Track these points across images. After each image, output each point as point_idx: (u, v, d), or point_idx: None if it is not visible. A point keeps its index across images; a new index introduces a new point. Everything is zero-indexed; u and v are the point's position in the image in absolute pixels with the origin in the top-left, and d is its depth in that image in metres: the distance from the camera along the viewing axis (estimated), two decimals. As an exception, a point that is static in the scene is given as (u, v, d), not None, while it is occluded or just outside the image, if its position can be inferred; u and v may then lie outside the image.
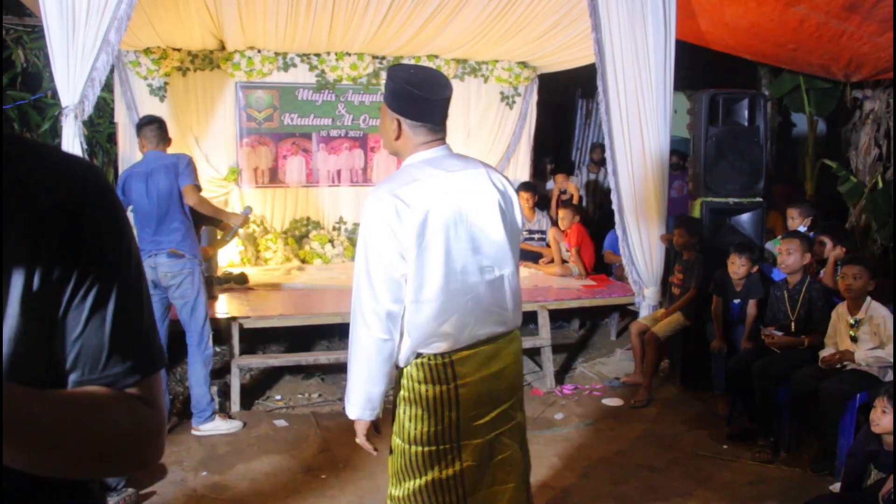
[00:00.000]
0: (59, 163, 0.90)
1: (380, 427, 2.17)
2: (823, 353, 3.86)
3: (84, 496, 0.96)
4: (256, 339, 5.39)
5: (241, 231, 5.14)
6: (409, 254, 1.95)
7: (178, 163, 4.01)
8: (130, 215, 4.07)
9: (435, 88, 2.05)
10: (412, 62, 6.83)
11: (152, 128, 4.07)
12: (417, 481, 2.07)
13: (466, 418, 2.07)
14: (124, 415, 0.88)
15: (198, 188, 4.05)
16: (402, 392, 2.09)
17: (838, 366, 3.77)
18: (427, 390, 2.05)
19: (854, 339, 3.76)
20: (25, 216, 0.83)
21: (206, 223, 5.46)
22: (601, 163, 7.70)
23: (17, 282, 0.82)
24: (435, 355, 2.04)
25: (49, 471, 0.82)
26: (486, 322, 2.09)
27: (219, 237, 5.12)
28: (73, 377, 0.89)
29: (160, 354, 0.96)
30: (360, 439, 2.13)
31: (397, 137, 2.08)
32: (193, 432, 4.12)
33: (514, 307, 2.16)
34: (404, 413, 2.09)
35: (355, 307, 2.02)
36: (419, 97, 2.03)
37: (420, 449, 2.06)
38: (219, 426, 4.15)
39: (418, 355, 2.05)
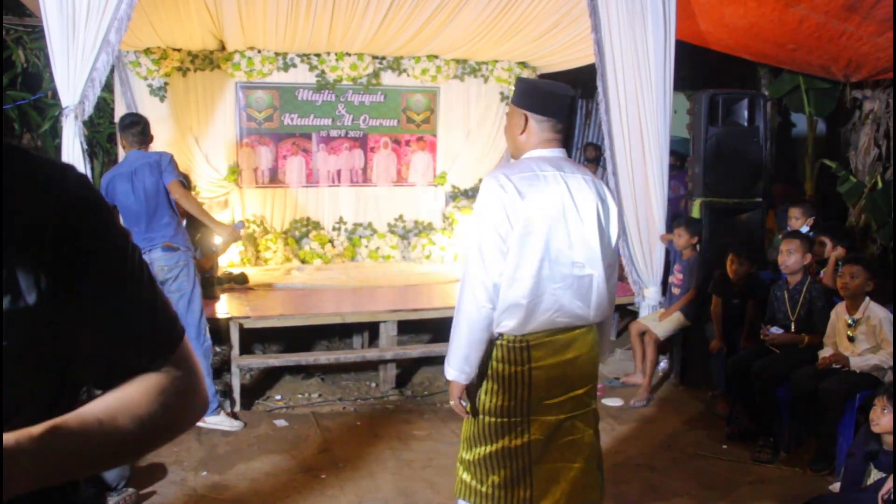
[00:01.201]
0: (38, 172, 0.86)
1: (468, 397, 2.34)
2: (822, 353, 3.87)
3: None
4: (256, 339, 5.40)
5: (220, 243, 4.97)
6: (514, 235, 2.15)
7: (160, 160, 4.02)
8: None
9: (560, 87, 2.32)
10: (412, 62, 6.83)
11: (135, 130, 4.07)
12: (488, 447, 2.27)
13: (537, 397, 2.26)
14: (155, 401, 0.91)
15: (182, 184, 4.05)
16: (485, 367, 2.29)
17: (836, 366, 3.77)
18: (503, 369, 2.25)
19: (851, 340, 3.76)
20: (12, 232, 0.81)
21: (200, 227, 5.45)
22: (595, 161, 7.70)
23: (12, 298, 0.81)
24: (515, 337, 2.23)
25: (103, 468, 0.90)
26: (566, 312, 2.25)
27: (213, 247, 5.05)
28: (99, 381, 0.92)
29: (176, 327, 0.98)
30: (454, 401, 2.30)
31: (522, 132, 2.29)
32: (198, 423, 4.13)
33: (597, 306, 2.31)
34: (483, 386, 2.29)
35: (465, 277, 2.22)
36: (546, 92, 2.29)
37: (493, 420, 2.27)
38: (222, 422, 4.18)
39: (500, 335, 2.24)
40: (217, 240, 5.18)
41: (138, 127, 4.09)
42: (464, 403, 2.30)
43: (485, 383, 2.28)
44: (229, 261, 6.27)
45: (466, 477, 2.33)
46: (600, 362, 2.50)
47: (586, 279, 2.25)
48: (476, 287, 2.17)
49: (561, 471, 2.31)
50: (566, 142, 2.31)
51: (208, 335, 4.16)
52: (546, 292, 2.20)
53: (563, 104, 2.28)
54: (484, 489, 2.29)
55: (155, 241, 3.98)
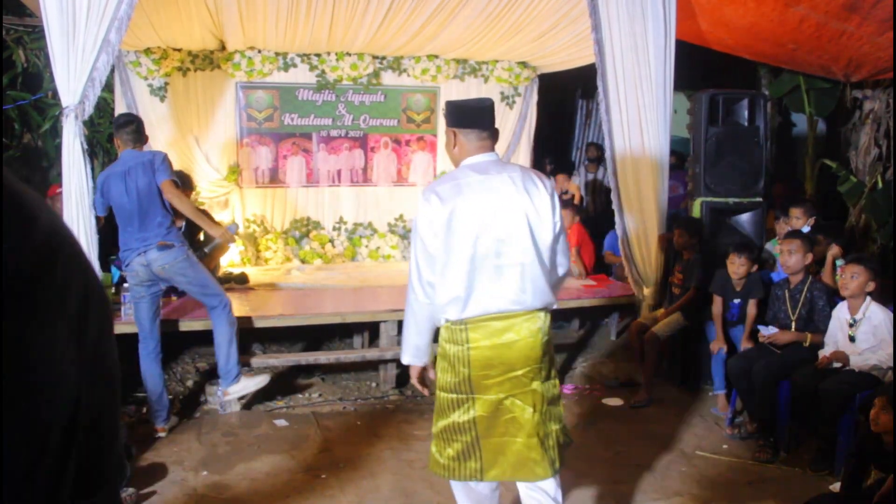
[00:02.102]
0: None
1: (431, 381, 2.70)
2: (823, 353, 3.87)
3: None
4: (256, 339, 5.40)
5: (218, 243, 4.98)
6: (440, 238, 2.46)
7: (153, 159, 4.01)
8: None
9: (477, 100, 2.65)
10: (412, 62, 6.83)
11: (129, 129, 4.06)
12: (444, 421, 2.57)
13: (478, 376, 2.51)
14: None
15: (175, 184, 4.05)
16: (437, 348, 2.63)
17: (836, 365, 3.77)
18: (449, 348, 2.55)
19: (852, 339, 3.76)
20: None
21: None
22: (597, 161, 7.71)
23: None
24: (455, 321, 2.51)
25: None
26: (500, 299, 2.50)
27: (206, 249, 5.04)
28: None
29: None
30: (413, 381, 2.70)
31: (455, 146, 2.59)
32: (224, 397, 4.27)
33: (535, 291, 2.53)
34: (438, 365, 2.62)
35: (409, 278, 2.59)
36: (465, 107, 2.61)
37: (446, 395, 2.57)
38: (247, 385, 4.26)
39: (446, 320, 2.54)
40: (218, 241, 5.18)
41: (132, 126, 4.08)
42: (427, 384, 2.71)
43: (439, 362, 2.60)
44: (230, 261, 6.27)
45: (433, 449, 2.65)
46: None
47: (517, 268, 2.49)
48: (414, 286, 2.55)
49: (506, 444, 2.55)
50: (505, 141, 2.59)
51: (226, 297, 4.22)
52: (478, 283, 2.47)
53: (481, 114, 2.57)
54: (443, 461, 2.59)
55: (149, 240, 3.98)
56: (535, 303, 2.54)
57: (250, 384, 4.29)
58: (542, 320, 2.58)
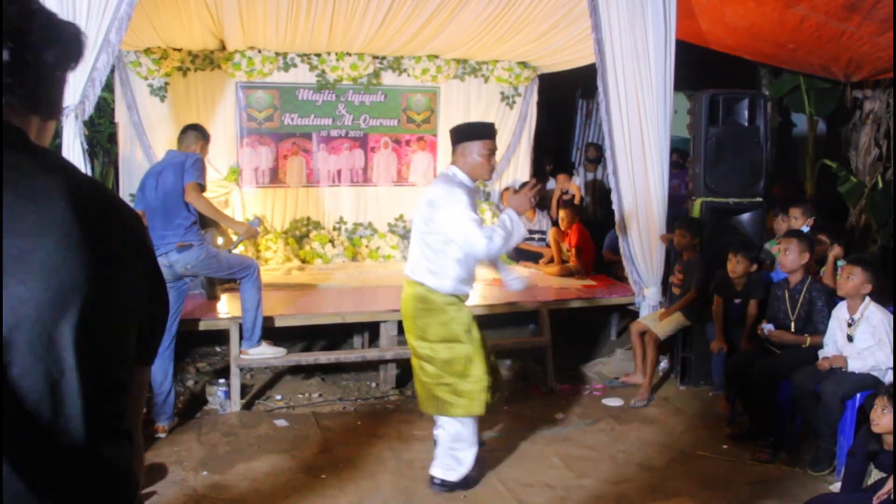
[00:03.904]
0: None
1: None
2: (822, 353, 3.87)
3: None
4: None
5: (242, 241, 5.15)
6: None
7: (185, 161, 4.13)
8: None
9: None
10: (412, 62, 6.83)
11: (186, 133, 4.35)
12: None
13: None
14: None
15: (200, 187, 4.13)
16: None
17: (836, 365, 3.77)
18: None
19: (850, 339, 3.76)
20: None
21: (210, 225, 5.47)
22: (596, 161, 7.70)
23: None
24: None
25: None
26: (408, 264, 3.50)
27: (220, 243, 5.13)
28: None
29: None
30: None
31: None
32: (242, 356, 4.46)
33: (414, 266, 3.43)
34: None
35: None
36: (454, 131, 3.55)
37: None
38: (265, 351, 4.50)
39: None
40: (219, 241, 5.27)
41: (189, 131, 4.35)
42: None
43: None
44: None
45: None
46: None
47: (417, 244, 3.43)
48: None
49: (416, 378, 3.56)
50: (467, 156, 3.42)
51: (254, 263, 4.48)
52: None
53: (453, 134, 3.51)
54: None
55: (168, 239, 4.08)
56: (416, 276, 3.40)
57: (268, 351, 4.52)
58: (420, 290, 3.38)
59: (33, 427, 0.88)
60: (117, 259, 0.97)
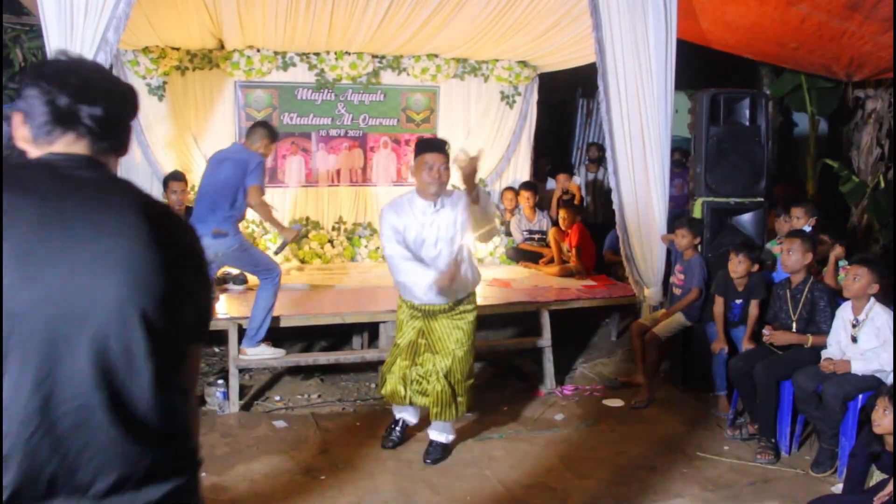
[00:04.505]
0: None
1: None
2: (825, 353, 3.85)
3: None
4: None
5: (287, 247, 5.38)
6: None
7: (249, 161, 4.35)
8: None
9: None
10: (412, 61, 6.81)
11: (255, 129, 4.59)
12: None
13: None
14: None
15: (262, 191, 4.38)
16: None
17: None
18: None
19: (854, 340, 3.74)
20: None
21: None
22: (598, 161, 7.68)
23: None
24: None
25: None
26: None
27: (276, 251, 5.25)
28: None
29: None
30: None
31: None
32: (241, 356, 4.47)
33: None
34: None
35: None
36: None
37: None
38: (264, 351, 4.53)
39: None
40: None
41: (257, 127, 4.58)
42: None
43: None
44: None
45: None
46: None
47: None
48: None
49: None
50: None
51: (277, 267, 4.57)
52: None
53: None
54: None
55: (207, 225, 4.26)
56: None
57: (267, 352, 4.55)
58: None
59: (116, 385, 1.21)
60: (178, 257, 1.30)
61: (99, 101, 1.34)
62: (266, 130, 4.56)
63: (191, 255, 1.36)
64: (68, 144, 1.33)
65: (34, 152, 1.34)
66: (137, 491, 1.23)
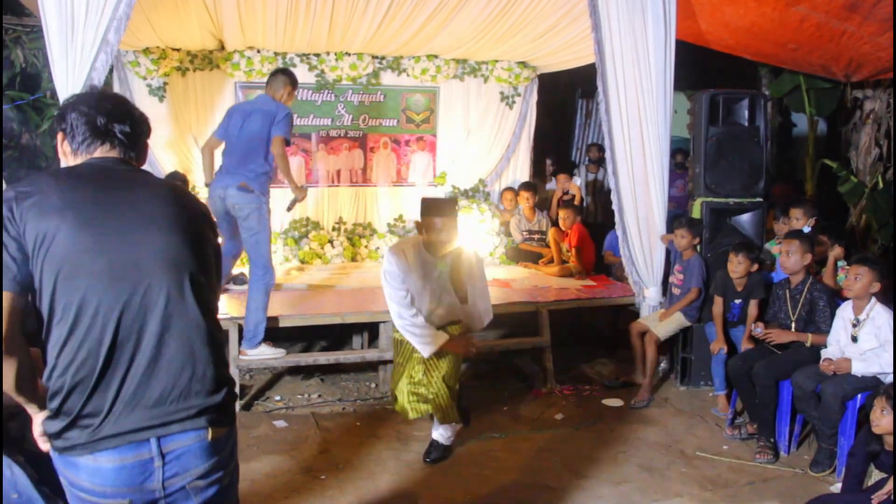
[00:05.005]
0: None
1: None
2: (824, 354, 3.85)
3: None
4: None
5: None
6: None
7: (277, 112, 4.32)
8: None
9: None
10: (412, 62, 6.82)
11: (276, 77, 4.52)
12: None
13: None
14: None
15: (286, 142, 4.33)
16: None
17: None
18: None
19: (854, 339, 3.75)
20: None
21: None
22: (599, 162, 7.69)
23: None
24: None
25: None
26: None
27: (287, 209, 5.25)
28: None
29: None
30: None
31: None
32: (241, 357, 4.45)
33: None
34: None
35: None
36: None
37: None
38: (265, 351, 4.50)
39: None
40: (219, 241, 5.25)
41: (280, 75, 4.51)
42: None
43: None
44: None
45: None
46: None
47: None
48: None
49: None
50: None
51: (274, 272, 4.51)
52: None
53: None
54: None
55: (235, 177, 4.29)
56: None
57: (268, 352, 4.52)
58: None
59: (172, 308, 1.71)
60: (195, 214, 1.84)
61: (126, 121, 1.81)
62: (287, 77, 4.51)
63: (203, 212, 1.89)
64: (105, 152, 1.79)
65: (75, 161, 1.79)
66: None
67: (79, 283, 1.60)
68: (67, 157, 1.79)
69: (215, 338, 1.77)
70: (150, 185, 1.80)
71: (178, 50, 6.17)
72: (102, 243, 1.63)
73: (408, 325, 3.55)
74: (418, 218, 3.63)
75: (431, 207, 3.61)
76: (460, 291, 3.62)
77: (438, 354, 3.64)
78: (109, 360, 1.62)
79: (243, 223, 4.41)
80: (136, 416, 1.62)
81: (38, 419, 1.70)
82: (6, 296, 1.58)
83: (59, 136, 1.80)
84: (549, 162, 7.97)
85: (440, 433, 3.83)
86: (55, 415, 1.63)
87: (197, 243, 1.76)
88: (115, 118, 1.78)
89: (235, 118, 4.46)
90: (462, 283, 3.66)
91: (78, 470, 1.62)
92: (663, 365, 5.15)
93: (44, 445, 1.70)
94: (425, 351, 3.58)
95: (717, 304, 4.55)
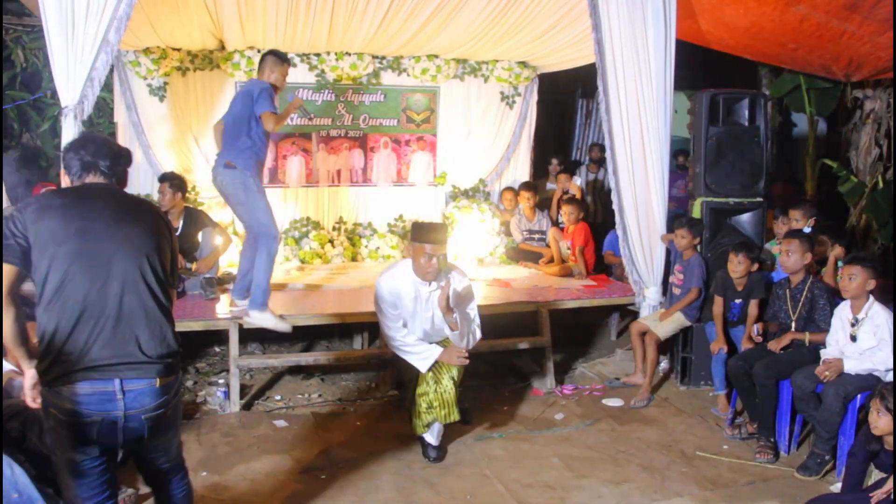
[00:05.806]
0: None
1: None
2: (824, 353, 3.85)
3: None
4: (256, 339, 5.39)
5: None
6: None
7: (252, 91, 4.40)
8: None
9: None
10: (412, 61, 6.82)
11: (264, 59, 4.57)
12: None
13: None
14: None
15: (273, 115, 4.37)
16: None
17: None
18: None
19: (853, 339, 3.75)
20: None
21: (208, 224, 5.46)
22: (600, 162, 7.68)
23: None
24: None
25: None
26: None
27: (218, 242, 5.23)
28: None
29: None
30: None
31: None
32: (245, 318, 4.49)
33: None
34: None
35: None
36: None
37: None
38: (268, 319, 4.50)
39: None
40: (217, 240, 5.33)
41: (268, 56, 4.57)
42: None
43: None
44: (229, 261, 6.25)
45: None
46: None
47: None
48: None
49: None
50: None
51: (278, 234, 4.51)
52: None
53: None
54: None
55: (225, 156, 4.38)
56: None
57: (271, 320, 4.51)
58: None
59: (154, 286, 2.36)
60: (159, 226, 2.44)
61: (107, 157, 2.40)
62: (275, 57, 4.57)
63: (165, 224, 2.49)
64: (93, 179, 2.40)
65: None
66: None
67: (64, 261, 2.22)
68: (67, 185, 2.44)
69: (165, 307, 2.36)
70: (125, 197, 2.45)
71: (178, 50, 6.17)
72: (86, 231, 2.26)
73: (401, 345, 3.74)
74: (410, 242, 3.71)
75: (422, 233, 3.65)
76: (448, 316, 3.66)
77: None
78: (82, 315, 2.21)
79: (231, 200, 4.47)
80: (104, 355, 2.23)
81: (31, 373, 2.29)
82: (10, 268, 2.21)
83: (62, 172, 2.45)
84: (555, 162, 7.95)
85: (432, 434, 3.85)
86: (43, 356, 2.22)
87: (154, 234, 2.39)
88: (99, 156, 2.39)
89: (232, 103, 4.63)
90: (450, 308, 3.67)
91: (62, 398, 2.20)
92: (663, 365, 5.15)
93: (33, 403, 2.32)
94: (422, 366, 3.72)
95: (718, 304, 4.55)
